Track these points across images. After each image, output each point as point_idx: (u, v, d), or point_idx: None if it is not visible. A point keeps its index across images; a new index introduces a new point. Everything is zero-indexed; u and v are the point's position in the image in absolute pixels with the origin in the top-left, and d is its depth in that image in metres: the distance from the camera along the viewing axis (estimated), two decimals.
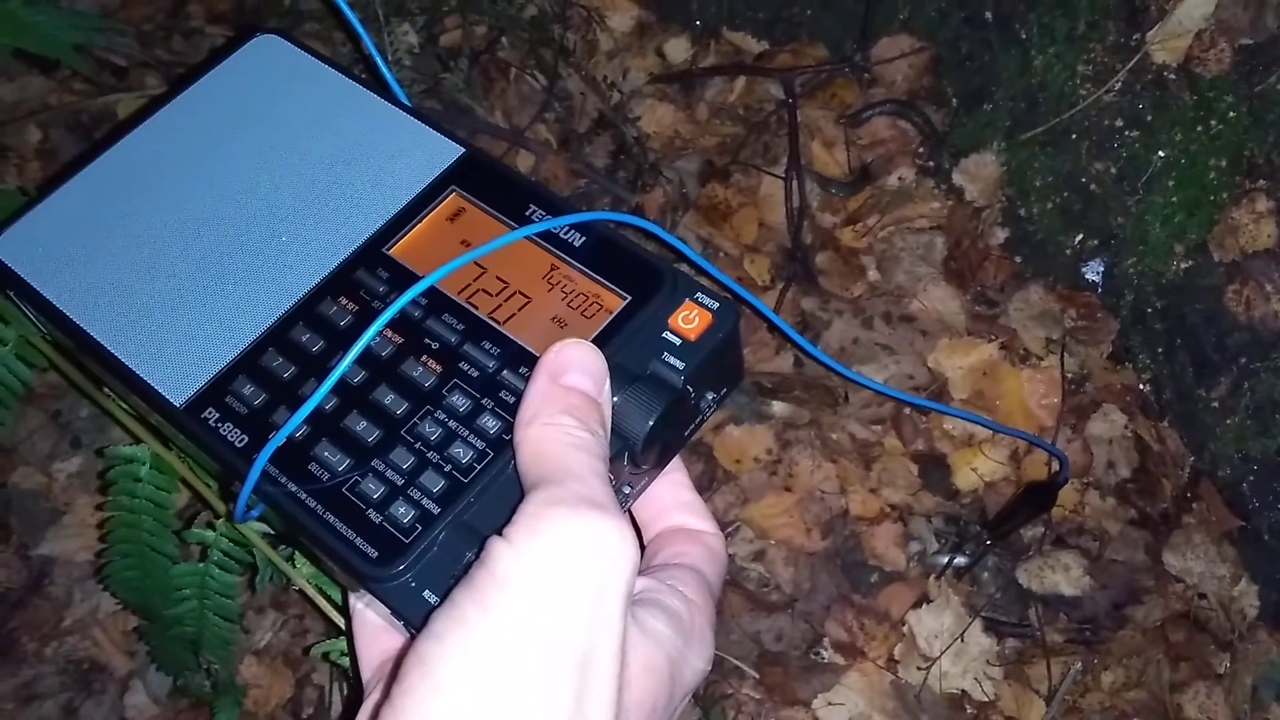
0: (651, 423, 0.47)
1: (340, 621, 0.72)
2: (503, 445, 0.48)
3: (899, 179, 1.12)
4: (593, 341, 0.48)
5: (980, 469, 1.01)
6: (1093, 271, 1.04)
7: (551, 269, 0.53)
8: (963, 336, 1.05)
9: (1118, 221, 1.01)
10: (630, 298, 0.52)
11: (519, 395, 0.48)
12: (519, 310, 0.52)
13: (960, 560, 0.98)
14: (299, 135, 0.59)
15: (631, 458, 0.48)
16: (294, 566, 0.71)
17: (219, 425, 0.50)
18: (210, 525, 0.73)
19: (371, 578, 0.46)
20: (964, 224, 1.08)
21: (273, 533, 0.72)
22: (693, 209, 1.15)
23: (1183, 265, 0.97)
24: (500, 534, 0.40)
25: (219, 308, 0.54)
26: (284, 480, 0.48)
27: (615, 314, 0.51)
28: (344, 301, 0.53)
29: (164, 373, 0.52)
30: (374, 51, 0.61)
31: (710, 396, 0.51)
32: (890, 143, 1.14)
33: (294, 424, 0.48)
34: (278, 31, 0.63)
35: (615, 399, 0.47)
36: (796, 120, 1.13)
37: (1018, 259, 1.07)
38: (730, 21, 1.22)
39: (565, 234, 0.54)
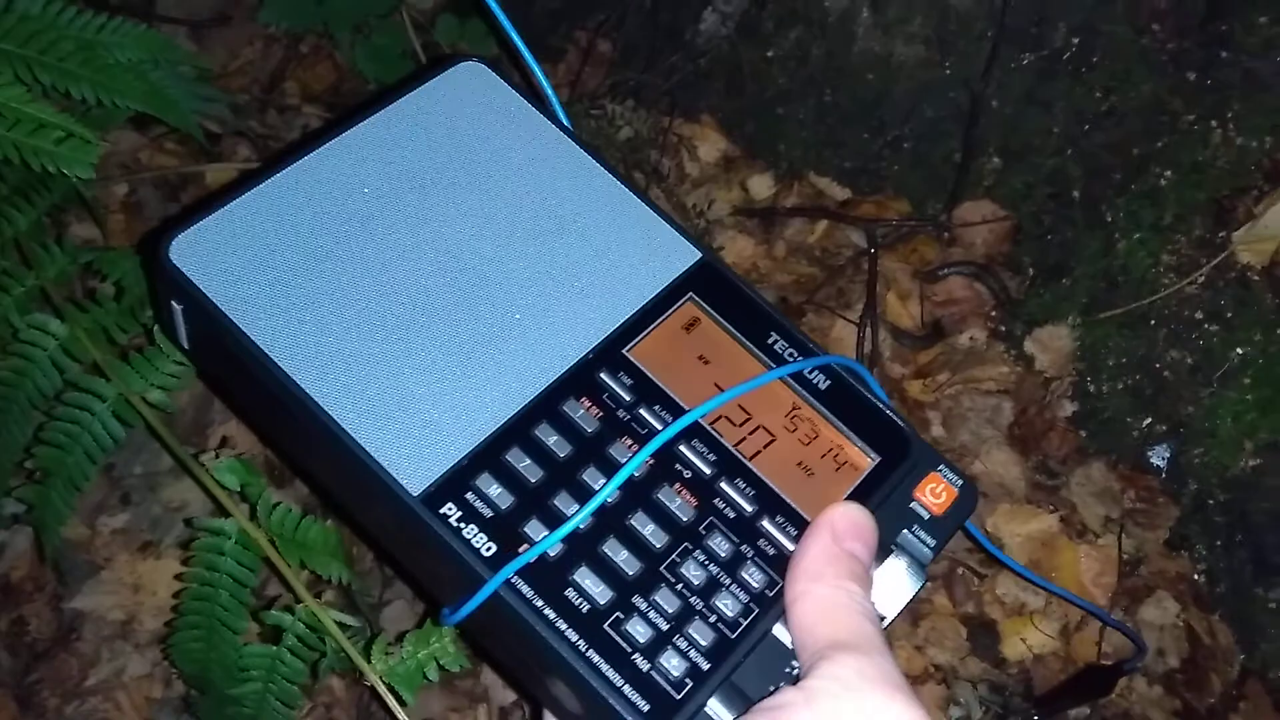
0: (906, 602, 0.46)
1: None
2: (766, 602, 0.46)
3: (970, 339, 1.14)
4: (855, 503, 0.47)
5: (1030, 640, 1.00)
6: (1158, 456, 1.05)
7: (794, 408, 0.51)
8: (1022, 504, 1.05)
9: (1188, 411, 1.02)
10: (879, 459, 0.50)
11: (779, 548, 0.46)
12: (764, 448, 0.50)
13: None
14: (522, 192, 0.55)
15: None
16: (368, 662, 0.70)
17: (461, 525, 0.46)
18: (289, 609, 0.72)
19: None
20: (1032, 392, 1.10)
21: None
22: None
23: (1251, 462, 0.98)
24: (795, 686, 0.39)
25: (452, 387, 0.48)
26: (540, 605, 0.44)
27: (865, 474, 0.50)
28: (588, 404, 0.50)
29: (399, 455, 0.46)
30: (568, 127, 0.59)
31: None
32: (964, 303, 1.16)
33: (550, 542, 0.45)
34: (482, 59, 0.59)
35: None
36: (877, 269, 1.16)
37: (1083, 433, 1.08)
38: (816, 166, 1.25)
39: (810, 373, 0.52)
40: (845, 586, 0.43)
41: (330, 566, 0.74)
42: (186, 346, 0.53)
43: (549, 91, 0.61)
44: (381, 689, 0.70)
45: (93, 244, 1.09)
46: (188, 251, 0.49)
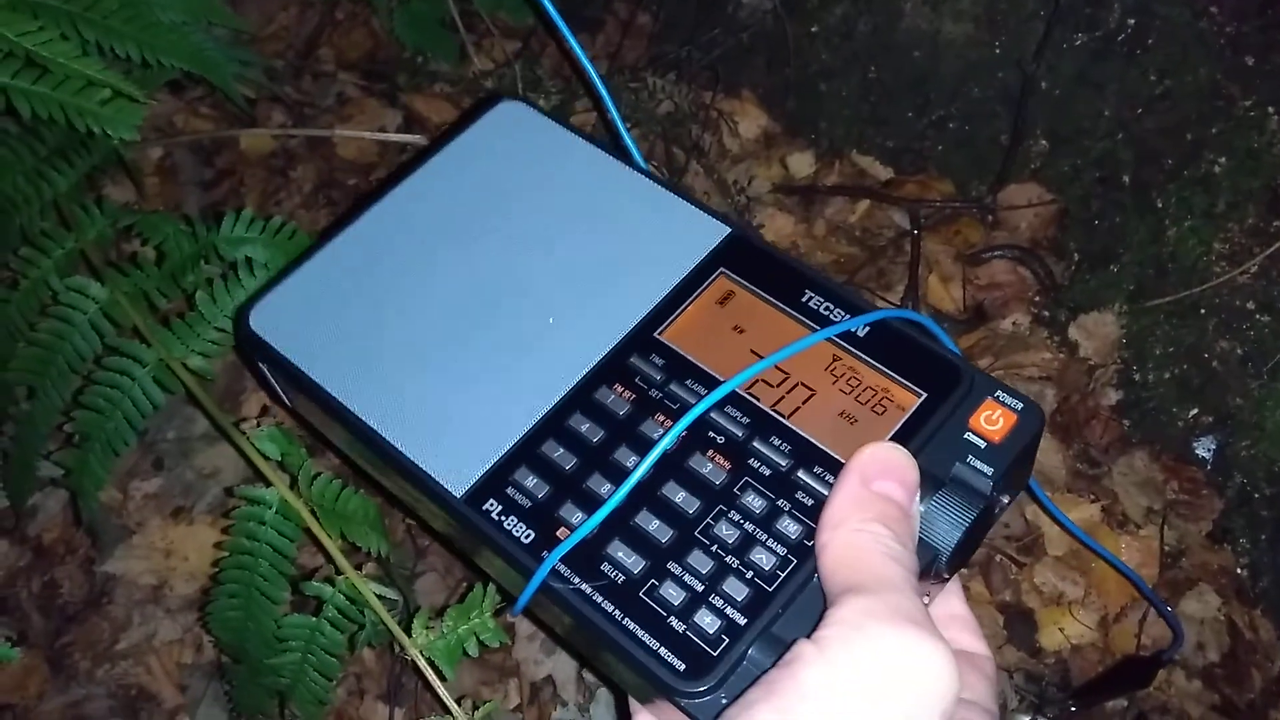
0: (962, 534, 0.44)
1: (445, 697, 0.71)
2: (805, 552, 0.46)
3: (1013, 324, 1.12)
4: (891, 442, 0.46)
5: (1068, 630, 0.99)
6: (1203, 448, 1.03)
7: (834, 360, 0.51)
8: (1063, 493, 1.04)
9: (1236, 403, 1.00)
10: (925, 395, 0.49)
11: (816, 497, 0.46)
12: (804, 404, 0.50)
13: None
14: (556, 209, 0.57)
15: (934, 570, 0.45)
16: (409, 636, 0.70)
17: (502, 518, 0.48)
18: (329, 580, 0.72)
19: (679, 692, 0.43)
20: (1076, 380, 1.08)
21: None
22: None
23: None
24: (809, 638, 0.39)
25: (491, 395, 0.52)
26: (577, 582, 0.46)
27: (911, 412, 0.49)
28: (620, 389, 0.51)
29: (441, 462, 0.50)
30: (621, 129, 0.60)
31: (1005, 500, 0.49)
32: (1008, 287, 1.14)
33: (586, 530, 0.47)
34: (520, 98, 0.62)
35: (921, 507, 0.45)
36: (919, 250, 1.14)
37: (1126, 423, 1.06)
38: (859, 144, 1.23)
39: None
40: (868, 529, 0.42)
41: (369, 538, 0.73)
42: (289, 404, 0.59)
43: (587, 65, 0.63)
44: (422, 663, 0.69)
45: (129, 207, 1.08)
46: (264, 317, 0.56)
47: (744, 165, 1.24)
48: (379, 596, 0.71)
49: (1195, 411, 1.03)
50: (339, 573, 0.71)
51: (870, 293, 1.15)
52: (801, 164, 1.25)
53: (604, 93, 0.61)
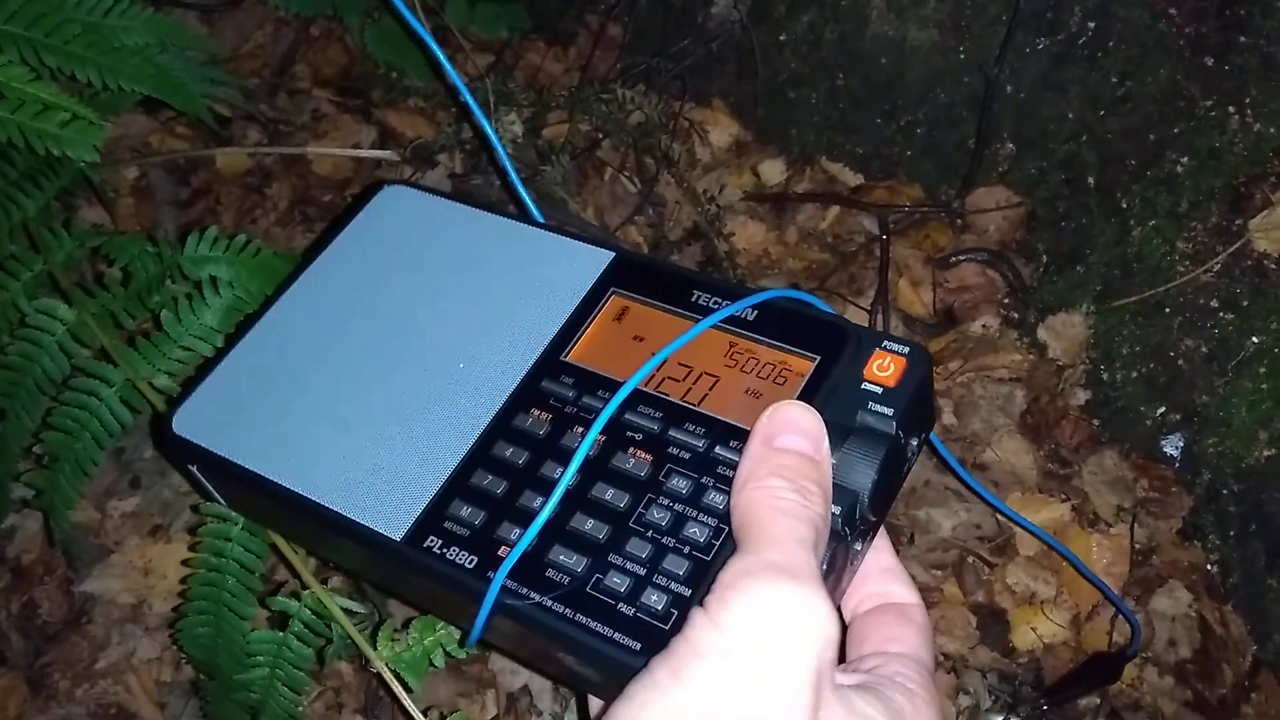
0: (876, 472, 0.47)
1: (410, 708, 0.71)
2: None
3: (983, 327, 1.13)
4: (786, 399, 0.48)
5: (1040, 630, 1.00)
6: (1171, 446, 1.04)
7: (731, 346, 0.54)
8: (1034, 493, 1.05)
9: (1202, 400, 1.01)
10: (819, 357, 0.52)
11: (735, 468, 0.48)
12: (710, 390, 0.53)
13: None
14: (450, 270, 0.61)
15: (860, 512, 0.48)
16: (375, 649, 0.70)
17: (444, 551, 0.50)
18: (295, 595, 0.72)
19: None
20: (1045, 380, 1.09)
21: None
22: None
23: (1266, 453, 0.97)
24: (700, 603, 0.41)
25: (416, 442, 0.54)
26: (525, 592, 0.48)
27: (809, 376, 0.52)
28: (536, 412, 0.54)
29: (377, 511, 0.52)
30: (510, 169, 0.64)
31: (914, 442, 0.52)
32: (977, 290, 1.15)
33: (526, 541, 0.48)
34: (401, 181, 0.67)
35: (834, 459, 0.47)
36: (889, 255, 1.15)
37: (1096, 422, 1.07)
38: (828, 151, 1.24)
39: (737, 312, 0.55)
40: (764, 485, 0.44)
41: None
42: (222, 500, 0.62)
43: (467, 96, 0.68)
44: (388, 676, 0.70)
45: (102, 228, 1.09)
46: (186, 423, 0.58)
47: (715, 174, 1.25)
48: (346, 610, 0.72)
49: (1163, 410, 1.04)
50: (305, 587, 0.72)
51: (841, 298, 1.16)
52: (772, 171, 1.26)
53: (485, 123, 0.65)
